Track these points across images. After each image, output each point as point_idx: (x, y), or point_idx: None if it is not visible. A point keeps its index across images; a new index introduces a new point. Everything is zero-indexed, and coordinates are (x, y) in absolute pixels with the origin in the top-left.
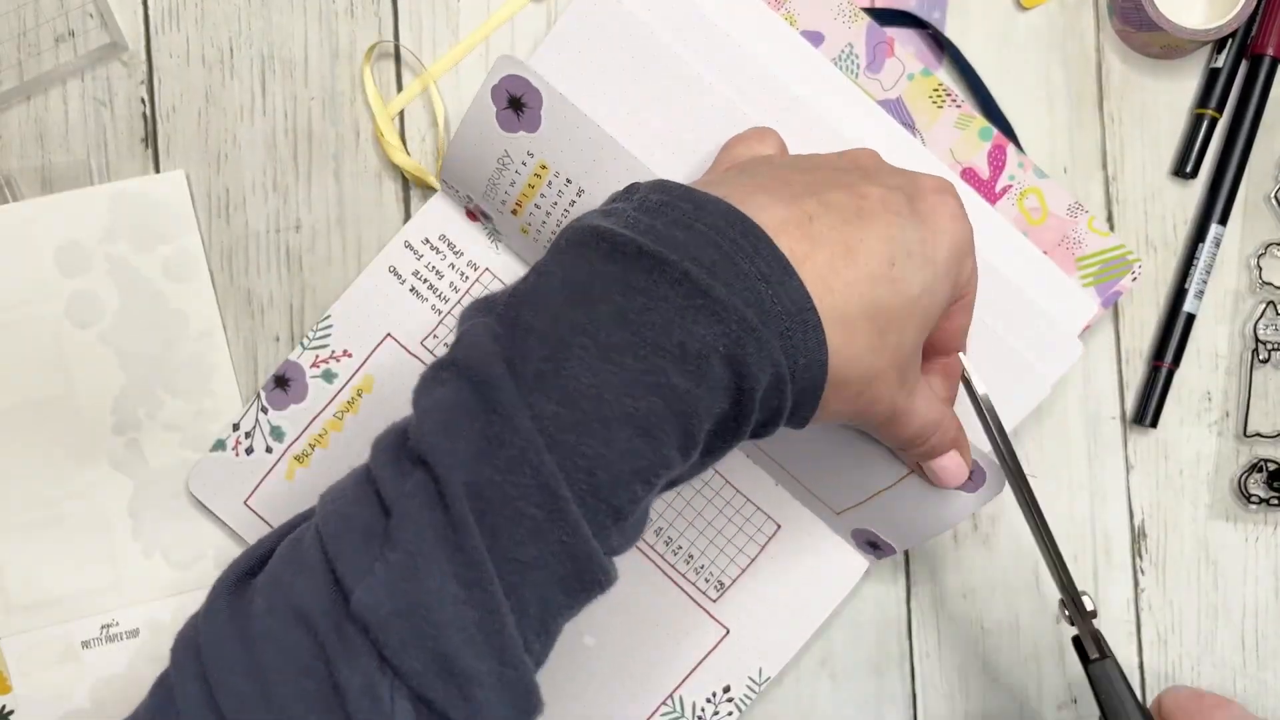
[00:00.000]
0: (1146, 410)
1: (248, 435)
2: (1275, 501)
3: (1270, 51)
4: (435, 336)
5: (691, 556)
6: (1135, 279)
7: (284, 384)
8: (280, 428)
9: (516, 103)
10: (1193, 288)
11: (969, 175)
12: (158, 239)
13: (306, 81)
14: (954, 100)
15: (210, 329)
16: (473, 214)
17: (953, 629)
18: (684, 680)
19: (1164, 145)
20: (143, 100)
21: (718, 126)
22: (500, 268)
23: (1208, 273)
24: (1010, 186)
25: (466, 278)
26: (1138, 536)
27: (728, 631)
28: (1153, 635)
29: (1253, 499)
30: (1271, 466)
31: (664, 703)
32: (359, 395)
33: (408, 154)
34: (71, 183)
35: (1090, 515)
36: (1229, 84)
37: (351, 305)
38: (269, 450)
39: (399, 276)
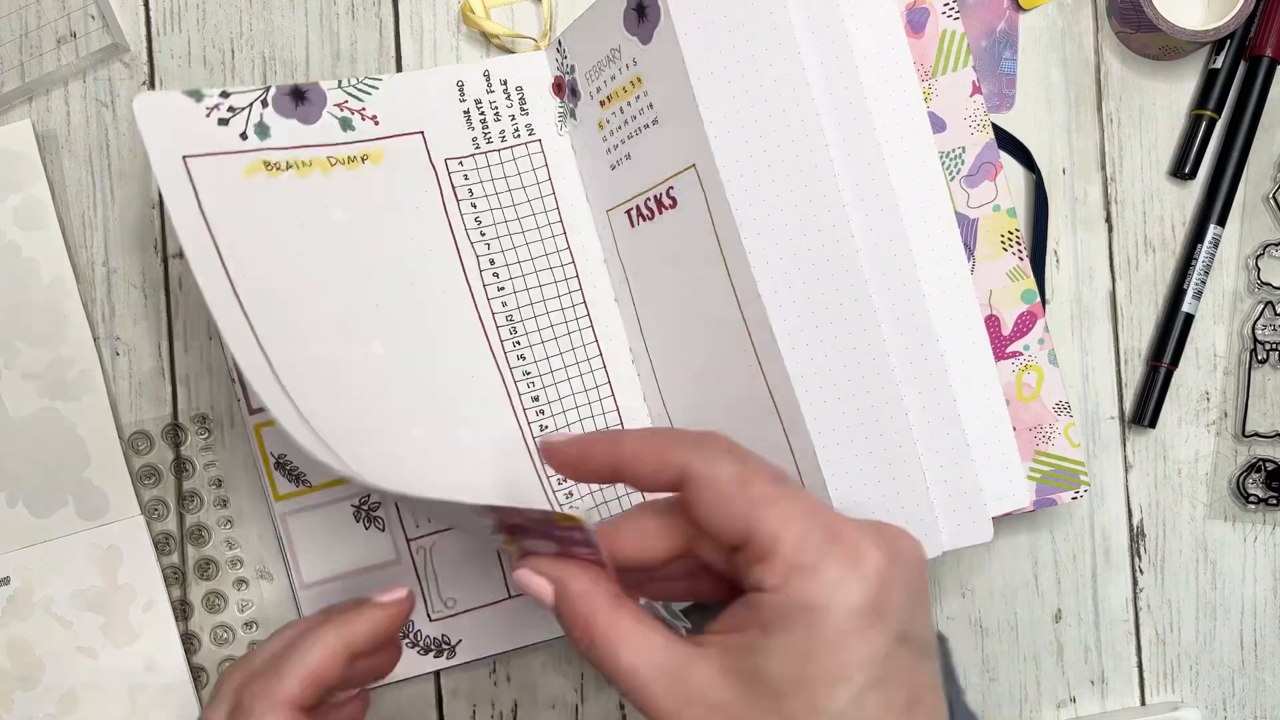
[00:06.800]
0: (1145, 410)
1: (232, 110)
2: (1273, 501)
3: (1268, 53)
4: (460, 164)
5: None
6: (1075, 498)
7: (300, 99)
8: (270, 128)
9: (641, 9)
10: (1191, 288)
11: (992, 323)
12: (8, 188)
13: None
14: (1019, 251)
15: (61, 276)
16: (559, 88)
17: (951, 628)
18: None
19: (1162, 146)
20: None
21: (799, 136)
22: (553, 149)
23: (1206, 273)
24: (1020, 354)
25: (519, 135)
26: (1136, 536)
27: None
28: (1151, 635)
29: (1251, 499)
30: (1270, 466)
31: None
32: (364, 159)
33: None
34: (74, 184)
35: (1089, 515)
36: (1227, 85)
37: (403, 86)
38: (244, 137)
39: (461, 93)
